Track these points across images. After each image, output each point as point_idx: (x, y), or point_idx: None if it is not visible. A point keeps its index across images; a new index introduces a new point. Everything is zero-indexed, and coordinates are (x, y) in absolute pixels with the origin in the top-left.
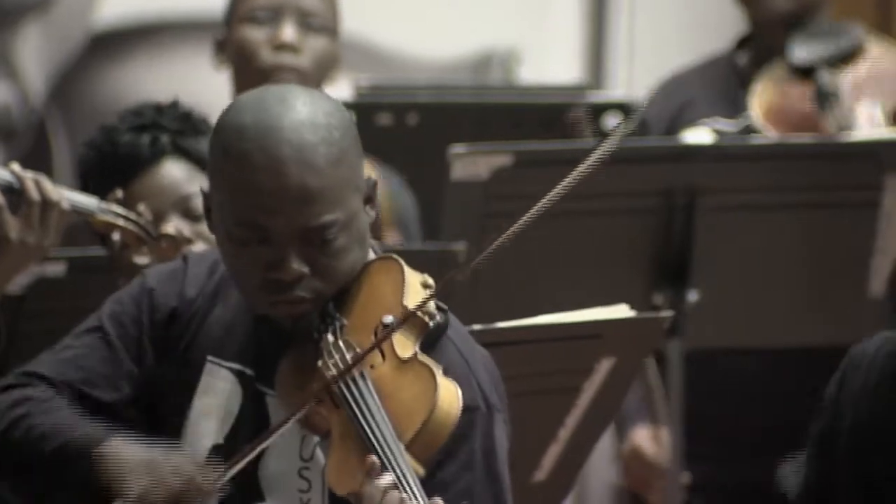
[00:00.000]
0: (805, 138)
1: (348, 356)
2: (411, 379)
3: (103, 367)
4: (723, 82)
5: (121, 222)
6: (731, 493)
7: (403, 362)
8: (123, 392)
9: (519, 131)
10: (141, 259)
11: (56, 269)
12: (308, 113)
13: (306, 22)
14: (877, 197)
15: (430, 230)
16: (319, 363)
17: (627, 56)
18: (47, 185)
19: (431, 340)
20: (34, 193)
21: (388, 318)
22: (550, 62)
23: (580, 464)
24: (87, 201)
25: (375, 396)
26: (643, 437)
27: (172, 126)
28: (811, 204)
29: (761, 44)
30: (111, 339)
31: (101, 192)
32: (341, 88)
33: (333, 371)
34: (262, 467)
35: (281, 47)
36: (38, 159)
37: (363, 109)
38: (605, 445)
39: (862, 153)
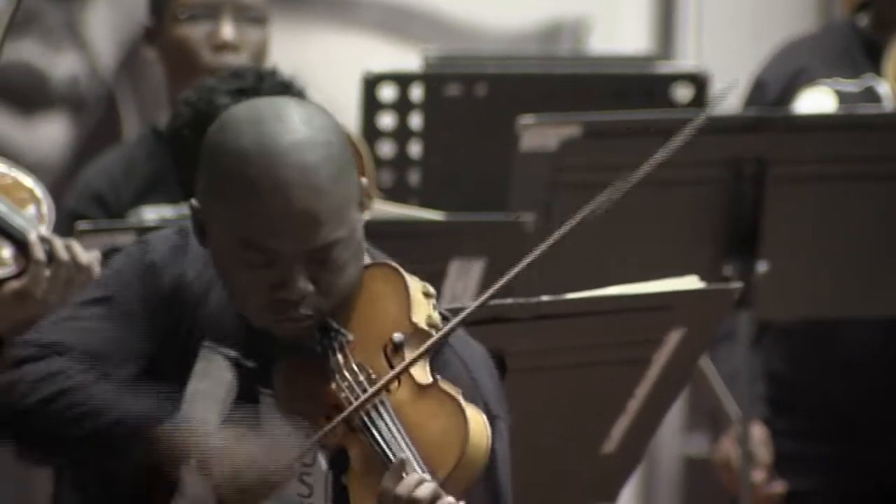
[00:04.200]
0: (874, 108)
1: (362, 378)
2: (435, 409)
3: (113, 342)
4: (843, 45)
5: None
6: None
7: (423, 388)
8: (131, 369)
9: (588, 102)
10: None
11: (125, 239)
12: (306, 132)
13: (243, 16)
14: None
15: (497, 201)
16: (333, 386)
17: (697, 26)
18: (78, 248)
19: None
20: (63, 254)
21: (398, 336)
22: (620, 32)
23: (650, 435)
24: None
25: (401, 428)
26: (730, 446)
27: (272, 93)
28: (881, 174)
29: (883, 5)
30: (119, 314)
31: (192, 151)
32: (410, 59)
33: (347, 394)
34: None
35: (222, 47)
36: (107, 130)
37: (432, 80)
38: (674, 417)
39: None
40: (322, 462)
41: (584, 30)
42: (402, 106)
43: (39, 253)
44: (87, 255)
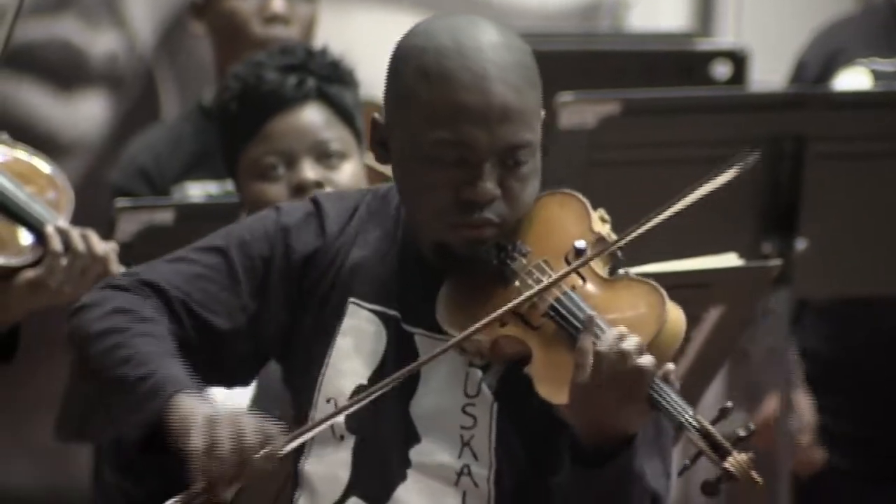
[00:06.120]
0: None
1: (545, 278)
2: (628, 295)
3: (222, 293)
4: (882, 25)
5: None
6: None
7: (611, 282)
8: (237, 323)
9: (627, 79)
10: None
11: (164, 216)
12: (504, 37)
13: None
14: None
15: None
16: (516, 283)
17: (736, 3)
18: (94, 239)
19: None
20: (80, 245)
21: (581, 243)
22: (659, 9)
23: None
24: None
25: (591, 307)
26: (772, 409)
27: (321, 71)
28: None
29: None
30: (235, 268)
31: (238, 125)
32: None
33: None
34: (416, 406)
35: (272, 19)
36: (145, 108)
37: None
38: (713, 394)
39: None
40: (487, 392)
41: (622, 7)
42: None
43: (56, 244)
44: (104, 246)
